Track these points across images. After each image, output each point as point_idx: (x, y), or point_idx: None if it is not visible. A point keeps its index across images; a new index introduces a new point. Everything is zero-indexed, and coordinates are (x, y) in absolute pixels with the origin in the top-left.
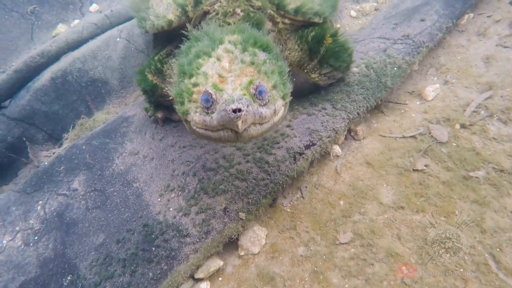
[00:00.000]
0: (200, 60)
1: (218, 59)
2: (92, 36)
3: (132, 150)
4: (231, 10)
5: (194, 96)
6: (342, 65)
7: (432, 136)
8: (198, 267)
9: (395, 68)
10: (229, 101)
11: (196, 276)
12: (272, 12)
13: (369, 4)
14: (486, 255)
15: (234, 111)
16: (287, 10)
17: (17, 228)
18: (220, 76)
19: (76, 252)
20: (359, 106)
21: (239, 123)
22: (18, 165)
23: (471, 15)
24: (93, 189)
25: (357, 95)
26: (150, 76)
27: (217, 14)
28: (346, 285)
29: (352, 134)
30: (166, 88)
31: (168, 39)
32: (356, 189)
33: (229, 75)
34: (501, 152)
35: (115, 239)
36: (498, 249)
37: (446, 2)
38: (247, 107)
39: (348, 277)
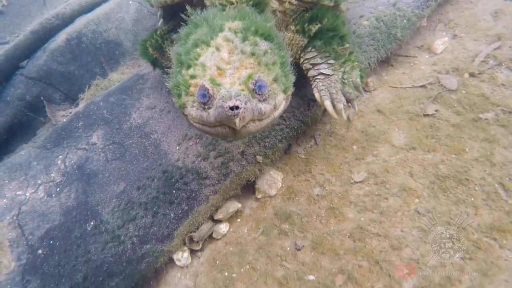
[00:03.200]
0: (198, 49)
1: (217, 49)
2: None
3: (149, 105)
4: None
5: (191, 89)
6: (331, 51)
7: (441, 84)
8: (217, 209)
9: (404, 21)
10: (226, 97)
11: (216, 217)
12: None
13: None
14: (496, 185)
15: (232, 108)
16: None
17: (39, 181)
18: (218, 68)
19: (97, 200)
20: (370, 57)
21: (237, 120)
22: (37, 124)
23: None
24: (111, 142)
25: (368, 46)
26: (150, 50)
27: None
28: (362, 218)
29: (363, 85)
30: (165, 63)
31: (175, 13)
32: (368, 135)
33: (228, 67)
34: (509, 96)
35: (135, 186)
36: (507, 179)
37: None
38: (245, 104)
39: (363, 211)
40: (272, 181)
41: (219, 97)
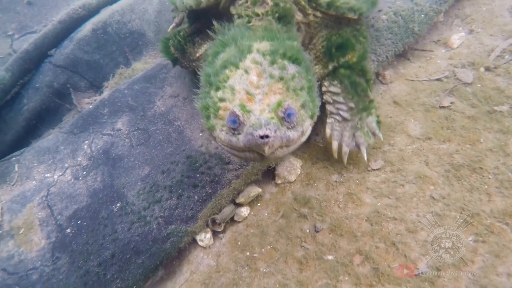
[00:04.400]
0: (227, 71)
1: (246, 72)
2: None
3: (172, 93)
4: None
5: (221, 112)
6: (354, 95)
7: (457, 78)
8: (239, 193)
9: (422, 15)
10: (256, 125)
11: (237, 201)
12: (303, 3)
13: None
14: (510, 173)
15: (262, 137)
16: (319, 3)
17: (66, 165)
18: (247, 92)
19: (123, 183)
20: (388, 50)
21: (266, 148)
22: (63, 110)
23: None
24: (136, 128)
25: (386, 39)
26: (172, 49)
27: (246, 1)
28: (379, 203)
29: (380, 78)
30: (185, 63)
31: (198, 16)
32: (385, 125)
33: (257, 92)
34: None
35: (160, 170)
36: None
37: None
38: (275, 132)
39: (380, 197)
40: (292, 167)
41: (249, 124)
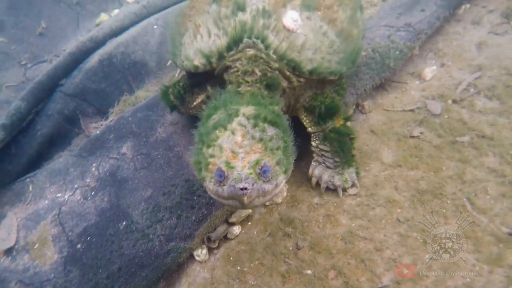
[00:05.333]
0: (217, 131)
1: (233, 133)
2: (132, 24)
3: (172, 121)
4: (250, 70)
5: (210, 166)
6: (340, 153)
7: (427, 109)
8: (231, 213)
9: (397, 52)
10: (237, 179)
11: (230, 220)
12: (288, 73)
13: None
14: (464, 199)
15: (242, 189)
16: (303, 72)
17: (76, 186)
18: (232, 151)
19: (128, 203)
20: (366, 84)
21: (245, 198)
22: (72, 134)
23: (468, 5)
24: (139, 153)
25: (364, 74)
26: (171, 97)
27: (237, 71)
28: (353, 224)
29: (359, 108)
30: (183, 110)
31: (196, 73)
32: (362, 152)
33: (241, 151)
34: (484, 122)
35: (161, 192)
36: (473, 194)
37: None
38: (252, 185)
39: (354, 218)
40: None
41: (232, 178)
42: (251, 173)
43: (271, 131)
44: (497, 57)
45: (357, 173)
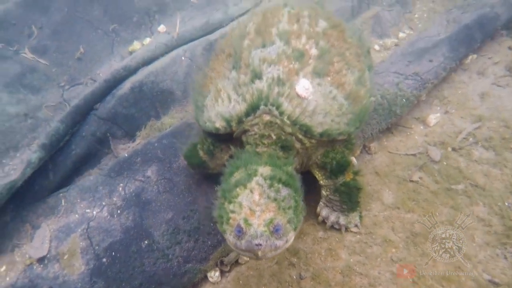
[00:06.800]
0: (238, 189)
1: (251, 191)
2: (163, 54)
3: None
4: (266, 134)
5: (231, 221)
6: (348, 202)
7: (428, 155)
8: None
9: (404, 100)
10: (254, 236)
11: None
12: (300, 136)
13: (391, 40)
14: (453, 244)
15: (257, 244)
16: (314, 135)
17: (103, 203)
18: (250, 209)
19: (151, 224)
20: (373, 128)
21: (259, 252)
22: (101, 154)
23: (475, 56)
24: (163, 177)
25: (371, 119)
26: (201, 153)
27: (255, 134)
28: (351, 260)
29: (366, 149)
30: (212, 165)
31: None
32: (365, 192)
33: (257, 209)
34: (479, 172)
35: (181, 216)
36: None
37: (452, 47)
38: (266, 242)
39: (353, 254)
40: None
41: (249, 234)
42: (265, 231)
43: (284, 191)
44: (497, 108)
45: (360, 217)
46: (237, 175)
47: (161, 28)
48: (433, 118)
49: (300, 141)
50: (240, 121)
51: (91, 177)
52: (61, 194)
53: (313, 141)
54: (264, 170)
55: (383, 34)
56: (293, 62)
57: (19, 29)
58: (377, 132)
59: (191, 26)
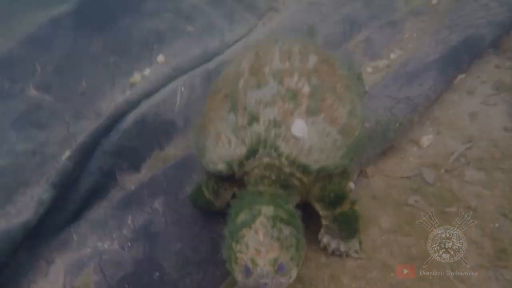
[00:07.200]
0: (244, 230)
1: (256, 232)
2: (163, 85)
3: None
4: (266, 174)
5: (238, 261)
6: (346, 230)
7: (423, 177)
8: None
9: (397, 124)
10: (260, 276)
11: None
12: (299, 175)
13: (382, 61)
14: (447, 269)
15: (264, 283)
16: (311, 172)
17: (114, 236)
18: (256, 250)
19: (161, 256)
20: (368, 155)
21: None
22: (109, 187)
23: (463, 75)
24: (170, 209)
25: (367, 146)
26: (206, 193)
27: (256, 175)
28: (353, 285)
29: (362, 173)
30: (218, 204)
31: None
32: (364, 217)
33: (262, 249)
34: (471, 193)
35: (189, 247)
36: (455, 264)
37: (441, 70)
38: (272, 280)
39: (354, 279)
40: None
41: (256, 273)
42: (270, 270)
43: (286, 230)
44: (486, 128)
45: (360, 243)
46: (242, 216)
47: (160, 58)
48: (426, 139)
49: (299, 179)
50: (241, 164)
51: (100, 211)
52: (72, 229)
53: (311, 177)
54: (267, 210)
55: (375, 55)
56: (287, 103)
57: (23, 67)
58: (373, 157)
59: (189, 55)
